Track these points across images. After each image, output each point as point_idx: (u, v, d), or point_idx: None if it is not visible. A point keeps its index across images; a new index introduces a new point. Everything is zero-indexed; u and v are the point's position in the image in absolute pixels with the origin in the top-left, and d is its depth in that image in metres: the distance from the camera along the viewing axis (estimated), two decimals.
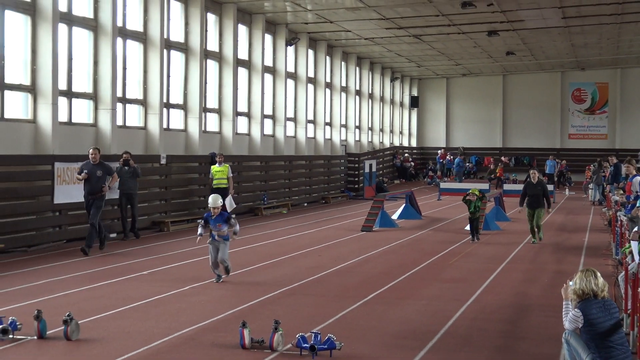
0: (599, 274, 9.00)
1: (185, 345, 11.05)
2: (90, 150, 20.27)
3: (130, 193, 23.40)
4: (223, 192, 26.16)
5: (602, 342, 8.56)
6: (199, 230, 16.32)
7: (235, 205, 27.44)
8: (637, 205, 19.46)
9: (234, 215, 15.94)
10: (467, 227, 24.57)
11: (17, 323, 11.34)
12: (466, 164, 59.47)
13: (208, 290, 15.43)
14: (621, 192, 27.27)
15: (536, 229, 23.17)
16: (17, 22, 22.40)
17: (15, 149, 21.71)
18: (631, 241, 15.30)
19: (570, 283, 9.13)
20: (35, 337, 11.08)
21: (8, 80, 21.90)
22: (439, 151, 61.58)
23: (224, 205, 16.53)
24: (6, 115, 21.82)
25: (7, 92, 21.94)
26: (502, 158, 58.26)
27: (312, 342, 10.47)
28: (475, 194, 23.77)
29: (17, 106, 22.48)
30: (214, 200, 16.15)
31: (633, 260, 13.02)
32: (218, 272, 16.07)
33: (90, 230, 20.12)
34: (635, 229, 16.33)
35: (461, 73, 61.46)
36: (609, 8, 34.24)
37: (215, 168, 27.35)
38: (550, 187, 42.88)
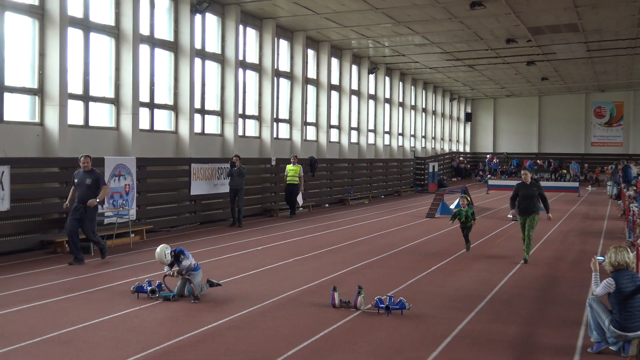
0: (629, 250, 8.90)
1: (289, 304, 11.14)
2: (82, 158, 15.21)
3: (238, 189, 22.67)
4: (294, 188, 26.25)
5: (624, 304, 8.42)
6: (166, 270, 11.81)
7: (303, 200, 27.19)
8: None
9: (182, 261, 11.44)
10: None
11: (162, 285, 11.60)
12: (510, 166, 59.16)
13: (307, 262, 15.52)
14: (634, 188, 26.81)
15: (527, 239, 15.58)
16: (162, 58, 22.83)
17: (161, 154, 22.18)
18: None
19: (599, 258, 9.01)
20: (171, 297, 11.28)
21: (157, 100, 22.37)
22: (487, 155, 62.40)
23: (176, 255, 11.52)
24: (155, 128, 22.31)
25: (158, 111, 22.41)
26: (538, 161, 57.65)
27: (387, 303, 10.48)
28: (467, 198, 18.40)
29: (163, 121, 22.93)
30: (158, 257, 11.49)
31: None
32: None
33: (78, 241, 14.99)
34: None
35: (505, 94, 60.89)
36: (624, 43, 33.79)
37: (290, 167, 26.51)
38: (576, 184, 42.62)
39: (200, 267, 11.80)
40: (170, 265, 11.61)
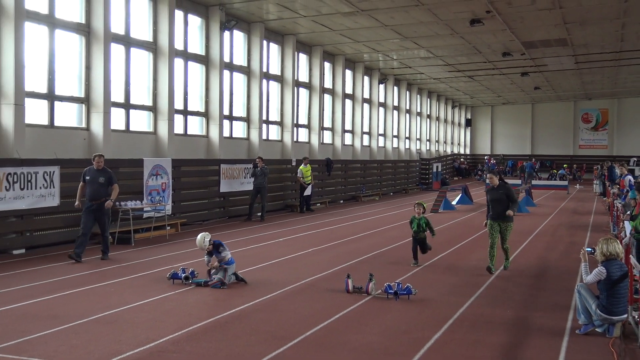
0: (618, 241, 8.87)
1: (308, 289, 11.17)
2: (96, 157, 14.25)
3: (261, 187, 22.54)
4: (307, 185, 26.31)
5: (612, 290, 8.38)
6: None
7: (310, 193, 26.70)
8: (630, 196, 19.08)
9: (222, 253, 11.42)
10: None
11: (195, 272, 11.66)
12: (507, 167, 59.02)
13: (324, 252, 15.54)
14: (618, 186, 26.67)
15: (503, 251, 13.16)
16: (195, 70, 22.94)
17: (194, 155, 22.28)
18: (625, 221, 14.94)
19: (588, 249, 8.97)
20: (202, 283, 11.33)
21: (190, 108, 22.46)
22: (485, 157, 62.33)
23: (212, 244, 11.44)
24: (188, 132, 22.40)
25: (190, 117, 22.51)
26: (532, 161, 57.56)
27: (395, 289, 10.50)
28: (422, 205, 14.21)
29: (196, 126, 23.02)
30: (199, 242, 11.45)
31: (626, 235, 12.72)
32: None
33: (87, 239, 14.18)
34: (628, 212, 15.93)
35: (501, 102, 60.62)
36: (609, 55, 33.62)
37: (303, 168, 26.11)
38: (565, 182, 42.39)
39: (235, 261, 11.76)
40: (209, 254, 11.51)
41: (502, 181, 13.30)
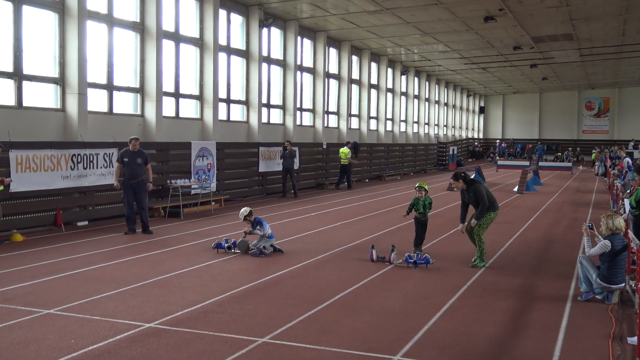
0: (620, 217, 8.75)
1: (336, 259, 11.16)
2: (132, 140, 13.88)
3: (289, 167, 22.30)
4: (345, 167, 26.60)
5: (613, 261, 8.26)
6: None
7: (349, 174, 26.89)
8: (630, 177, 18.84)
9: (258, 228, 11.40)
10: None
11: (237, 242, 11.72)
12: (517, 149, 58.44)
13: (351, 225, 15.52)
14: (618, 167, 26.31)
15: (474, 243, 10.82)
16: (236, 63, 22.92)
17: (236, 139, 22.35)
18: (624, 199, 14.72)
19: (588, 224, 8.84)
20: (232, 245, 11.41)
21: (233, 97, 22.49)
22: (497, 141, 61.63)
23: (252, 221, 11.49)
24: (231, 119, 22.46)
25: (233, 105, 22.55)
26: (527, 144, 56.93)
27: (415, 259, 10.47)
28: (424, 188, 11.66)
29: (238, 113, 23.07)
30: (241, 215, 11.57)
31: (625, 212, 12.54)
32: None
33: (135, 214, 13.96)
34: (628, 191, 15.69)
35: (512, 91, 60.03)
36: (611, 49, 33.10)
37: (341, 150, 26.78)
38: (569, 164, 41.79)
39: (274, 235, 11.77)
40: (252, 225, 11.50)
41: (470, 182, 10.79)
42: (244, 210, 11.65)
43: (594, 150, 49.31)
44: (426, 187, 11.73)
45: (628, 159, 23.45)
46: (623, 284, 8.36)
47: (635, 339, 6.50)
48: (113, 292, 8.47)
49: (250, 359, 6.01)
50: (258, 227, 11.49)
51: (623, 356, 6.30)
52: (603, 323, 7.45)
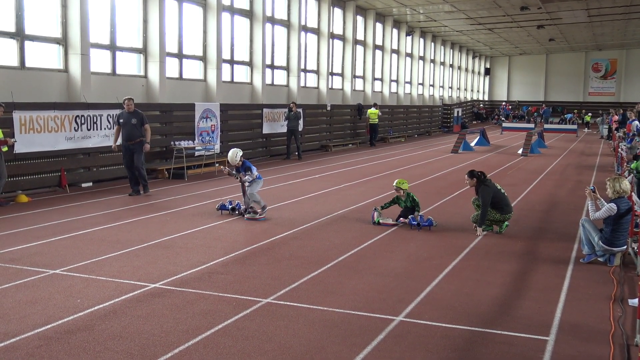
0: (626, 179, 8.74)
1: (339, 220, 11.20)
2: (126, 101, 13.68)
3: (294, 130, 22.24)
4: (374, 127, 28.85)
5: (617, 223, 8.28)
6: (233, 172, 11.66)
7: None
8: (637, 139, 18.84)
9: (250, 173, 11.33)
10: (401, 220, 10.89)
11: (241, 204, 11.74)
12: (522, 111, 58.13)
13: (355, 187, 15.54)
14: (624, 130, 26.18)
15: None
16: (241, 23, 22.68)
17: (239, 101, 22.25)
18: (628, 162, 14.70)
19: (591, 187, 8.81)
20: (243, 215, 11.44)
21: (236, 58, 22.32)
22: (502, 103, 61.37)
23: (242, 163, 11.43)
24: (235, 80, 22.33)
25: (237, 66, 22.39)
26: (543, 106, 56.55)
27: (418, 220, 10.50)
28: (402, 188, 10.87)
29: (242, 74, 22.92)
30: (230, 157, 11.38)
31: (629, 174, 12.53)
32: (251, 207, 11.36)
33: (136, 175, 13.85)
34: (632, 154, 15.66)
35: (518, 53, 59.45)
36: (620, 9, 32.83)
37: (370, 111, 28.58)
38: (574, 127, 41.58)
39: (262, 177, 11.75)
40: (237, 170, 11.49)
41: (480, 182, 10.30)
42: (235, 152, 11.37)
43: (589, 114, 49.65)
44: (404, 186, 10.96)
45: (637, 122, 23.27)
46: (625, 247, 8.39)
47: (636, 300, 6.55)
48: (118, 253, 8.53)
49: (254, 319, 6.08)
50: (248, 173, 11.37)
51: (624, 318, 6.35)
52: (604, 285, 7.49)
